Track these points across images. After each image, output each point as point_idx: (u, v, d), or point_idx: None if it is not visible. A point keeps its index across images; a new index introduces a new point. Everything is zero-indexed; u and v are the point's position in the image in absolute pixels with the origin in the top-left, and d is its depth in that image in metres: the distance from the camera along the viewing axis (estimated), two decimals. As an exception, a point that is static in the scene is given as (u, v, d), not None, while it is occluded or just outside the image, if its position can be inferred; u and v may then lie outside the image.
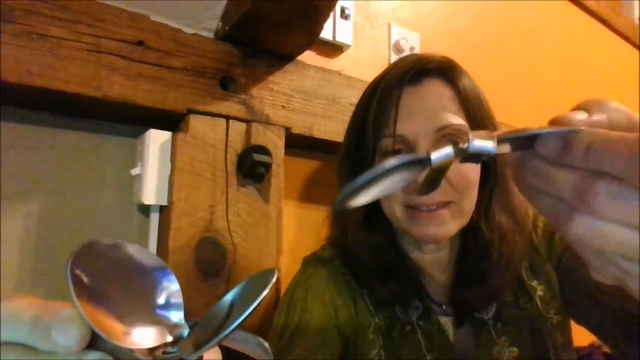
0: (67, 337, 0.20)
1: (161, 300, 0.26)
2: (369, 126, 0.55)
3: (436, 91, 0.54)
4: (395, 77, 0.55)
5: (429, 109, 0.53)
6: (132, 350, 0.22)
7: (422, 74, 0.54)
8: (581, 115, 0.25)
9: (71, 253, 0.22)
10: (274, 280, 0.24)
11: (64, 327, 0.20)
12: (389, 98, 0.54)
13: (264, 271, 0.26)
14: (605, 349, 1.18)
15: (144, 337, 0.23)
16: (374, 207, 0.58)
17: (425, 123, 0.52)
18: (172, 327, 0.25)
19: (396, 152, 0.54)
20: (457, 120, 0.52)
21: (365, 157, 0.56)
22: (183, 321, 0.26)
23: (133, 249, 0.26)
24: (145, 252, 0.26)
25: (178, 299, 0.26)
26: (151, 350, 0.24)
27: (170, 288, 0.26)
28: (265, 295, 0.23)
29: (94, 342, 0.21)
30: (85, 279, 0.22)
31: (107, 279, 0.24)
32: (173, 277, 0.27)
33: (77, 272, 0.22)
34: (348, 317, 0.57)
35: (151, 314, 0.25)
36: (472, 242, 0.58)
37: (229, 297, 0.26)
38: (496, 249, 0.55)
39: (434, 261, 0.60)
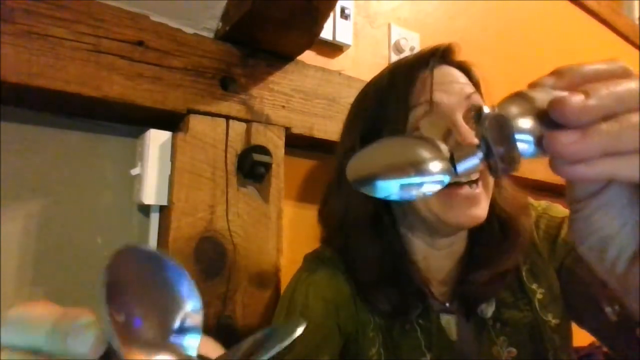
0: (82, 344, 0.20)
1: (179, 324, 0.25)
2: (392, 103, 0.55)
3: (457, 73, 0.58)
4: (415, 59, 0.57)
5: (458, 82, 0.56)
6: None
7: (442, 61, 0.58)
8: (550, 81, 0.28)
9: (110, 255, 0.22)
10: (300, 331, 0.23)
11: (80, 334, 0.20)
12: (419, 70, 0.55)
13: (291, 321, 0.25)
14: (606, 349, 1.17)
15: None
16: (381, 209, 0.58)
17: (458, 95, 0.54)
18: (184, 359, 0.24)
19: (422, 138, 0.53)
20: (479, 98, 0.55)
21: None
22: (195, 354, 0.25)
23: (166, 262, 0.25)
24: (177, 268, 0.25)
25: (197, 324, 0.25)
26: None
27: (192, 311, 0.26)
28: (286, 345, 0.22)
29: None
30: (114, 286, 0.22)
31: (133, 289, 0.23)
32: (197, 297, 0.26)
33: (110, 277, 0.21)
34: (349, 314, 0.57)
35: (167, 338, 0.24)
36: (486, 223, 0.56)
37: (250, 339, 0.25)
38: (514, 223, 0.58)
39: (446, 255, 0.60)
